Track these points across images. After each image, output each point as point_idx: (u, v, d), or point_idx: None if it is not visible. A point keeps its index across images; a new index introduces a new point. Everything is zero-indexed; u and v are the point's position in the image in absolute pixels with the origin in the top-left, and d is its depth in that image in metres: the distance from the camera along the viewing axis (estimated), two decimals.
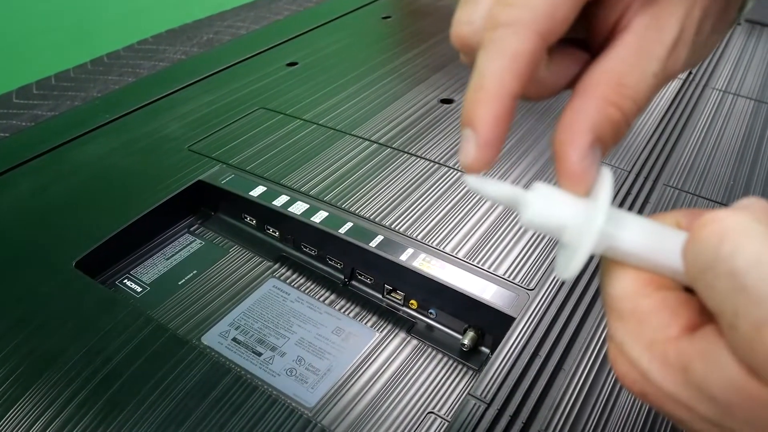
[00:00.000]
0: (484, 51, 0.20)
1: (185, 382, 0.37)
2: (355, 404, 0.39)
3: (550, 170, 0.55)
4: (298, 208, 0.49)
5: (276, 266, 0.49)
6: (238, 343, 0.42)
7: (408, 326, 0.44)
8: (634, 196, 0.53)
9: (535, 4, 0.19)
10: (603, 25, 0.22)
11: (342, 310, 0.45)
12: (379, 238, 0.46)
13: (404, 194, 0.51)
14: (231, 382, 0.37)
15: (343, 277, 0.48)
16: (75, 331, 0.40)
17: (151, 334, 0.40)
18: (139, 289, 0.47)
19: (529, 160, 0.57)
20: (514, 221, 0.48)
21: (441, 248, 0.45)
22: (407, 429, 0.37)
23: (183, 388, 0.37)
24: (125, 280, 0.47)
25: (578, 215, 0.19)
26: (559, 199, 0.19)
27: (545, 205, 0.19)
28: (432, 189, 0.52)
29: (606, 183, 0.19)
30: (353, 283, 0.47)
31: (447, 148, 0.58)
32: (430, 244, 0.46)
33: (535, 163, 0.56)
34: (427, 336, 0.43)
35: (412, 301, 0.45)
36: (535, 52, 0.19)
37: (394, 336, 0.43)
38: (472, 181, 0.20)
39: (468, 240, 0.46)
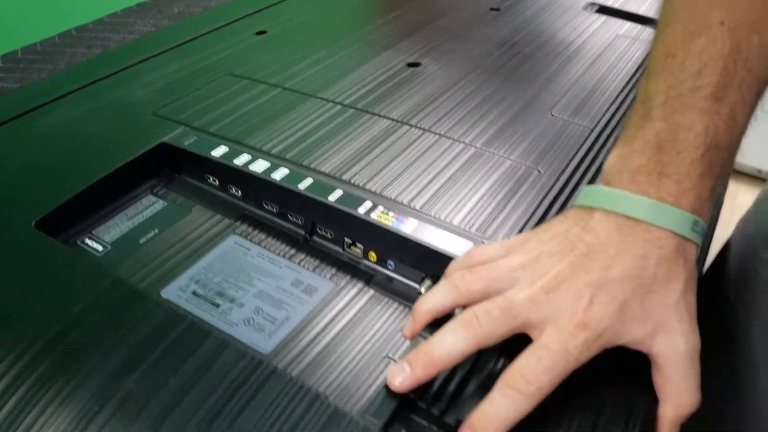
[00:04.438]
0: (503, 397, 0.32)
1: (141, 332, 0.37)
2: (311, 348, 0.39)
3: (509, 130, 0.56)
4: (260, 166, 0.50)
5: (238, 224, 0.49)
6: (197, 296, 0.43)
7: (367, 278, 0.44)
8: (595, 153, 0.53)
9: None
10: None
11: (302, 264, 0.46)
12: (339, 193, 0.46)
13: (365, 151, 0.52)
14: (185, 329, 0.37)
15: (303, 233, 0.48)
16: (33, 288, 0.40)
17: (109, 288, 0.40)
18: (100, 248, 0.47)
19: (491, 119, 0.57)
20: (471, 174, 0.49)
21: (398, 200, 0.46)
22: (363, 372, 0.38)
23: (138, 337, 0.37)
24: (86, 240, 0.48)
25: None
26: None
27: None
28: (393, 145, 0.52)
29: None
30: (314, 238, 0.48)
31: (411, 107, 0.58)
32: (388, 196, 0.46)
33: (496, 122, 0.57)
34: (386, 287, 0.44)
35: (371, 254, 0.45)
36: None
37: (353, 287, 0.44)
38: None
39: (425, 192, 0.47)
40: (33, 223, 0.45)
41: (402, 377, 0.34)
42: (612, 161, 0.37)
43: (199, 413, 0.33)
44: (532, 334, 0.34)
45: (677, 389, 0.34)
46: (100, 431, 0.33)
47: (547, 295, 0.34)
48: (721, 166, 0.35)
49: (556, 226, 0.37)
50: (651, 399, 0.35)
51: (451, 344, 0.34)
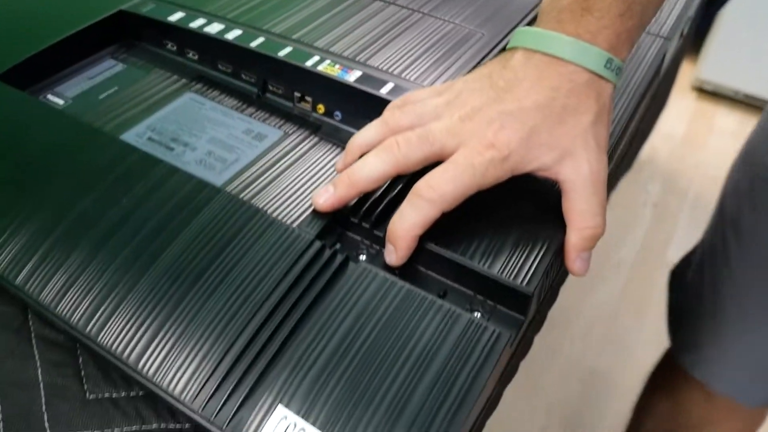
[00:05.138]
0: (409, 205, 0.35)
1: (96, 162, 0.40)
2: (258, 183, 0.42)
3: None
4: (215, 28, 0.51)
5: (194, 83, 0.51)
6: (153, 141, 0.45)
7: (315, 128, 0.47)
8: None
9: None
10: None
11: (254, 117, 0.48)
12: (288, 49, 0.49)
13: (316, 16, 0.53)
14: (137, 159, 0.40)
15: (256, 90, 0.50)
16: None
17: (67, 129, 0.43)
18: (61, 102, 0.49)
19: None
20: (416, 35, 0.51)
21: (344, 54, 0.48)
22: (306, 201, 0.41)
23: (93, 168, 0.40)
24: (48, 95, 0.50)
25: None
26: None
27: None
28: (343, 11, 0.54)
29: None
30: (266, 95, 0.50)
31: None
32: (335, 51, 0.48)
33: None
34: (333, 135, 0.47)
35: (320, 106, 0.48)
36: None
37: (301, 135, 0.46)
38: None
39: (370, 49, 0.49)
40: None
41: (325, 197, 0.37)
42: (546, 1, 0.39)
43: (145, 228, 0.36)
44: (447, 160, 0.37)
45: (579, 212, 0.37)
46: (54, 247, 0.36)
47: (463, 123, 0.36)
48: (642, 6, 0.37)
49: (482, 68, 0.40)
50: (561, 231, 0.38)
51: (372, 167, 0.37)
